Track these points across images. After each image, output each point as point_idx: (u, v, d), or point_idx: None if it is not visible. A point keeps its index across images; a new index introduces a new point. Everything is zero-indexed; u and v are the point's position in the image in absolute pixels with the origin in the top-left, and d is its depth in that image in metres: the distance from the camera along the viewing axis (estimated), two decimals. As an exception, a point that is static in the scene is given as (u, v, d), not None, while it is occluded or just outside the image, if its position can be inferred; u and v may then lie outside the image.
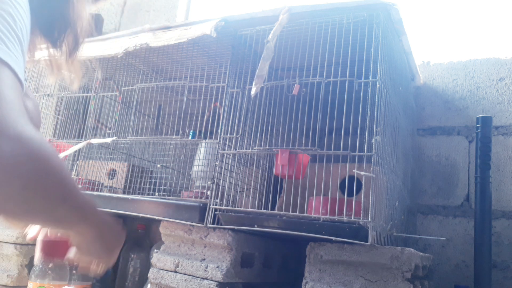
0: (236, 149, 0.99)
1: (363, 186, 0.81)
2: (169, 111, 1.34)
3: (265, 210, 0.96)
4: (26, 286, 1.18)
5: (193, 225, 0.99)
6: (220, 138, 1.00)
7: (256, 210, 0.97)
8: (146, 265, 1.34)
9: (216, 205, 0.95)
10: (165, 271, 1.00)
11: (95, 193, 1.12)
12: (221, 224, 0.94)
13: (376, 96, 0.85)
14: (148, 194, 1.18)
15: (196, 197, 1.02)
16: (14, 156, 0.41)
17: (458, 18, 1.48)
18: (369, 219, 0.79)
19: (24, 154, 0.42)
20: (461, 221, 1.23)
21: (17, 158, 0.42)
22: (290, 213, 0.88)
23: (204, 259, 0.97)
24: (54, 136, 1.44)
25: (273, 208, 1.10)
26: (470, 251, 1.18)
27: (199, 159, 1.10)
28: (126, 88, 1.21)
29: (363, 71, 0.87)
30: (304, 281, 0.89)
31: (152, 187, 1.21)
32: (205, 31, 0.99)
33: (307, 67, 0.93)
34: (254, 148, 0.97)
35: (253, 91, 0.91)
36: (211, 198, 0.96)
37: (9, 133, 0.41)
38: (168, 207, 0.98)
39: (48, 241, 0.84)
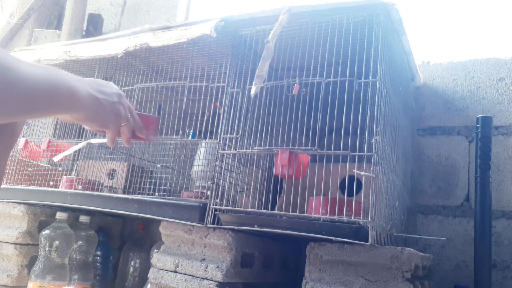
0: (236, 149, 0.99)
1: (363, 186, 0.81)
2: (169, 111, 1.34)
3: (265, 210, 0.96)
4: (26, 286, 1.18)
5: (193, 225, 0.99)
6: (220, 138, 1.00)
7: (256, 210, 0.97)
8: (146, 265, 1.34)
9: (216, 205, 0.95)
10: (165, 271, 1.00)
11: (95, 193, 1.12)
12: (221, 224, 0.94)
13: (376, 96, 0.85)
14: (148, 194, 1.18)
15: (196, 197, 1.02)
16: None
17: (458, 18, 1.48)
18: (369, 219, 0.79)
19: None
20: (461, 221, 1.23)
21: None
22: (290, 213, 0.88)
23: (204, 259, 0.97)
24: (54, 136, 1.44)
25: (273, 208, 1.10)
26: (470, 251, 1.18)
27: (199, 159, 1.10)
28: (126, 88, 1.21)
29: (363, 71, 0.87)
30: (304, 281, 0.89)
31: (152, 187, 1.21)
32: (205, 31, 0.99)
33: (307, 67, 0.93)
34: (254, 148, 0.97)
35: (253, 91, 0.91)
36: (211, 198, 0.96)
37: None
38: (168, 207, 0.98)
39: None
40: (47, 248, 1.14)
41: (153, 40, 1.08)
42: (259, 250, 1.06)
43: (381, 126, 0.85)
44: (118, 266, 1.41)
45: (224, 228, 0.95)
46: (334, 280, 0.87)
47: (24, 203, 1.26)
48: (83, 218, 1.27)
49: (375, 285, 0.83)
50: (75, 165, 1.36)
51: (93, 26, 1.95)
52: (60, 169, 1.36)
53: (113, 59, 1.21)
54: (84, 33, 1.91)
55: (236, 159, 1.01)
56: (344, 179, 1.06)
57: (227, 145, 1.00)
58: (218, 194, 0.96)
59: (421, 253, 0.86)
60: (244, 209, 0.98)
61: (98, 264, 1.37)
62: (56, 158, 1.20)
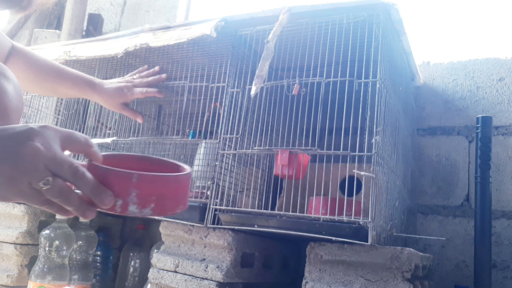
0: (236, 149, 0.99)
1: (363, 186, 0.81)
2: (169, 111, 1.34)
3: (265, 210, 0.96)
4: (26, 286, 1.18)
5: (193, 225, 0.99)
6: (220, 138, 1.00)
7: (256, 210, 0.97)
8: (146, 265, 1.34)
9: (216, 205, 0.95)
10: (165, 271, 1.00)
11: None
12: (221, 224, 0.95)
13: (376, 96, 0.85)
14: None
15: (196, 197, 1.02)
16: None
17: (458, 18, 1.48)
18: (369, 219, 0.79)
19: None
20: (461, 221, 1.23)
21: None
22: (290, 213, 0.88)
23: (204, 259, 0.97)
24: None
25: (273, 208, 1.10)
26: (470, 251, 1.18)
27: (199, 159, 1.10)
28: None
29: (363, 71, 0.87)
30: (304, 281, 0.89)
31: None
32: (205, 31, 0.99)
33: (307, 67, 0.94)
34: (254, 148, 0.97)
35: (253, 91, 0.91)
36: (211, 198, 0.96)
37: None
38: (168, 207, 0.98)
39: None
40: (47, 248, 1.14)
41: (153, 40, 1.08)
42: (259, 250, 1.06)
43: (381, 126, 0.85)
44: (118, 266, 1.41)
45: (224, 228, 0.95)
46: (334, 280, 0.87)
47: (24, 203, 1.26)
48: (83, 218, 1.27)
49: (375, 285, 0.83)
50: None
51: (93, 26, 1.95)
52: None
53: (113, 59, 1.21)
54: (84, 33, 1.91)
55: (236, 159, 1.01)
56: (344, 179, 1.06)
57: (227, 145, 1.00)
58: (218, 194, 0.96)
59: (421, 253, 0.86)
60: (244, 209, 0.98)
61: (98, 264, 1.37)
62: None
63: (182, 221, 0.97)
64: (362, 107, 0.85)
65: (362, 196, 0.81)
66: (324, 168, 0.87)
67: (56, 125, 1.43)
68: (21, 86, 1.01)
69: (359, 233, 0.80)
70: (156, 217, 1.00)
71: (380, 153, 0.85)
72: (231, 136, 1.00)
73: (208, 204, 0.96)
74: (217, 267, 0.93)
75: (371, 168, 0.81)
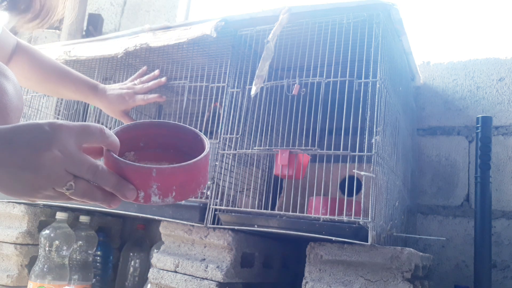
0: (236, 149, 0.99)
1: (363, 186, 0.81)
2: (169, 111, 1.34)
3: (265, 210, 0.96)
4: (26, 286, 1.18)
5: (193, 225, 0.99)
6: (220, 138, 1.00)
7: (256, 210, 0.97)
8: (146, 265, 1.34)
9: (216, 205, 0.95)
10: (165, 271, 1.00)
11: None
12: (221, 224, 0.95)
13: (376, 96, 0.85)
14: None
15: (196, 197, 1.02)
16: None
17: (458, 18, 1.48)
18: (369, 219, 0.79)
19: None
20: (461, 221, 1.23)
21: None
22: (290, 213, 0.88)
23: (204, 259, 0.97)
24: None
25: (273, 208, 1.10)
26: (470, 251, 1.18)
27: (199, 159, 1.10)
28: (126, 88, 1.21)
29: (363, 71, 0.87)
30: (304, 281, 0.89)
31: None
32: (205, 31, 0.99)
33: (307, 67, 0.94)
34: (254, 148, 0.97)
35: (253, 91, 0.91)
36: (211, 198, 0.96)
37: None
38: (168, 207, 0.99)
39: None
40: (47, 248, 1.14)
41: (153, 40, 1.08)
42: (259, 250, 1.06)
43: (381, 126, 0.85)
44: (118, 266, 1.41)
45: (224, 228, 0.95)
46: (334, 280, 0.87)
47: (24, 203, 1.26)
48: (83, 218, 1.27)
49: (375, 285, 0.83)
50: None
51: (93, 26, 1.95)
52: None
53: (113, 59, 1.21)
54: (84, 33, 1.91)
55: (236, 159, 1.01)
56: (344, 179, 1.06)
57: (227, 145, 1.00)
58: (218, 194, 0.96)
59: (421, 253, 0.86)
60: (244, 209, 0.98)
61: (98, 264, 1.37)
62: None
63: (182, 221, 0.97)
64: (362, 107, 0.85)
65: (362, 196, 0.81)
66: (324, 168, 0.87)
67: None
68: (24, 85, 1.01)
69: (359, 233, 0.80)
70: (157, 217, 1.00)
71: (380, 153, 0.85)
72: (231, 136, 1.00)
73: (208, 204, 0.96)
74: (217, 267, 0.93)
75: (371, 168, 0.81)
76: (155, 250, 1.12)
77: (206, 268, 0.94)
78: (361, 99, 0.86)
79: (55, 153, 0.45)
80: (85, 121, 1.36)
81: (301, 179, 0.92)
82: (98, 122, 1.28)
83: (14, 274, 1.21)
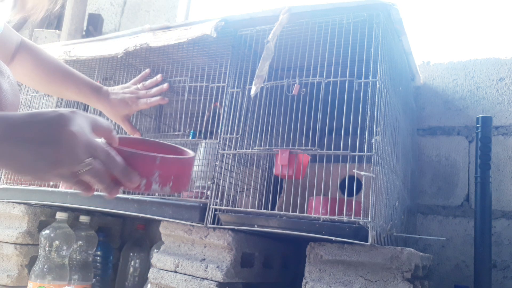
0: (236, 149, 0.99)
1: (363, 186, 0.81)
2: (169, 111, 1.34)
3: (265, 210, 0.96)
4: (26, 286, 1.18)
5: (193, 225, 0.99)
6: (220, 138, 1.00)
7: (256, 210, 0.97)
8: (146, 265, 1.34)
9: (216, 205, 0.95)
10: (165, 271, 1.00)
11: (95, 193, 1.12)
12: (221, 224, 0.95)
13: (376, 96, 0.85)
14: (148, 194, 1.18)
15: (196, 197, 1.02)
16: None
17: (458, 18, 1.48)
18: (369, 219, 0.79)
19: None
20: (461, 221, 1.23)
21: None
22: (290, 213, 0.88)
23: (204, 259, 0.97)
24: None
25: (273, 208, 1.10)
26: (470, 251, 1.18)
27: (199, 159, 1.10)
28: (126, 88, 1.21)
29: (363, 71, 0.87)
30: (304, 281, 0.89)
31: (152, 187, 1.21)
32: (205, 31, 0.99)
33: (307, 67, 0.93)
34: (254, 148, 0.97)
35: (253, 91, 0.91)
36: (211, 198, 0.96)
37: None
38: (168, 207, 0.99)
39: None
40: (47, 248, 1.14)
41: (153, 40, 1.08)
42: (259, 250, 1.06)
43: (381, 126, 0.85)
44: (118, 266, 1.41)
45: (224, 228, 0.95)
46: (334, 280, 0.87)
47: (24, 203, 1.26)
48: (83, 218, 1.27)
49: (375, 285, 0.83)
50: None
51: (93, 26, 1.95)
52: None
53: (113, 59, 1.21)
54: (84, 33, 1.91)
55: (236, 159, 1.01)
56: (344, 179, 1.06)
57: (227, 145, 1.00)
58: (218, 194, 0.96)
59: (421, 253, 0.86)
60: (244, 209, 0.98)
61: (98, 264, 1.37)
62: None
63: (182, 221, 0.97)
64: (362, 107, 0.85)
65: (362, 196, 0.81)
66: (324, 168, 0.87)
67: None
68: (26, 83, 1.01)
69: (359, 233, 0.80)
70: (157, 217, 1.00)
71: (380, 153, 0.85)
72: (231, 136, 1.00)
73: (208, 204, 0.96)
74: (217, 267, 0.93)
75: (371, 168, 0.81)
76: (155, 250, 1.12)
77: (206, 268, 0.94)
78: (361, 99, 0.86)
79: (74, 130, 0.48)
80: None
81: (301, 179, 0.92)
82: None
83: (14, 274, 1.21)
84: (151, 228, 1.50)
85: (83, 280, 1.23)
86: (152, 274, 1.01)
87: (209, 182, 1.01)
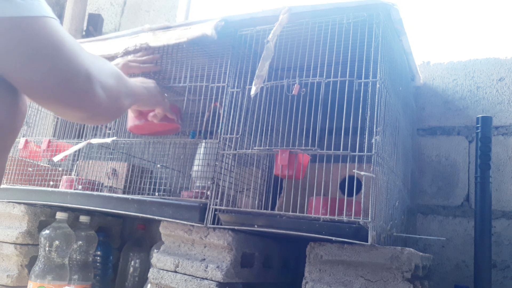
0: (236, 149, 0.99)
1: (363, 186, 0.81)
2: (169, 111, 1.34)
3: (265, 210, 0.96)
4: (26, 286, 1.18)
5: (193, 225, 0.99)
6: (220, 138, 1.00)
7: (256, 210, 0.97)
8: (146, 265, 1.34)
9: (216, 205, 0.95)
10: (165, 271, 1.00)
11: (95, 193, 1.12)
12: (221, 224, 0.94)
13: (376, 96, 0.85)
14: (148, 194, 1.18)
15: (196, 197, 1.02)
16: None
17: (458, 18, 1.48)
18: (369, 219, 0.79)
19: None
20: (461, 221, 1.23)
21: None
22: (290, 213, 0.88)
23: (204, 259, 0.97)
24: (54, 136, 1.44)
25: (273, 208, 1.10)
26: (470, 251, 1.18)
27: (199, 159, 1.10)
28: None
29: (363, 71, 0.87)
30: (304, 281, 0.89)
31: (152, 187, 1.21)
32: (205, 31, 0.99)
33: (307, 67, 0.93)
34: (254, 148, 0.97)
35: (253, 91, 0.91)
36: (211, 198, 0.96)
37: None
38: (168, 207, 0.99)
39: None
40: (47, 248, 1.14)
41: (153, 40, 1.08)
42: (259, 250, 1.06)
43: (381, 126, 0.85)
44: (118, 266, 1.41)
45: (224, 228, 0.95)
46: (334, 280, 0.87)
47: (24, 203, 1.26)
48: (83, 218, 1.27)
49: (375, 285, 0.83)
50: (75, 165, 1.36)
51: (93, 26, 1.95)
52: (60, 169, 1.36)
53: (113, 59, 1.21)
54: (84, 33, 1.91)
55: (236, 159, 1.01)
56: (344, 179, 1.06)
57: (227, 145, 1.00)
58: (218, 194, 0.96)
59: (421, 253, 0.86)
60: (244, 209, 0.98)
61: (98, 264, 1.37)
62: (56, 158, 1.20)
63: (182, 221, 0.97)
64: (362, 107, 0.85)
65: (362, 196, 0.81)
66: (324, 168, 0.87)
67: (56, 125, 1.43)
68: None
69: (359, 233, 0.80)
70: (157, 217, 1.00)
71: (380, 153, 0.85)
72: (231, 136, 1.00)
73: (208, 204, 0.96)
74: (217, 267, 0.93)
75: (371, 168, 0.81)
76: (155, 250, 1.11)
77: (206, 268, 0.94)
78: (361, 99, 0.86)
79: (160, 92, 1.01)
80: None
81: (301, 179, 0.92)
82: (98, 122, 1.28)
83: (14, 274, 1.21)
84: (151, 228, 1.50)
85: (83, 280, 1.23)
86: (152, 274, 1.02)
87: (209, 182, 1.01)
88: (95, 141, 1.20)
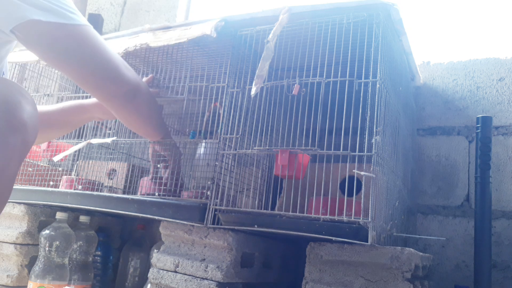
0: (236, 149, 0.99)
1: (363, 186, 0.81)
2: (169, 111, 1.34)
3: (265, 210, 0.96)
4: (26, 286, 1.18)
5: (193, 225, 0.99)
6: (220, 138, 1.00)
7: (256, 210, 0.97)
8: (146, 265, 1.34)
9: (216, 205, 0.95)
10: (165, 271, 1.00)
11: (95, 193, 1.12)
12: (221, 224, 0.94)
13: (376, 96, 0.85)
14: (148, 194, 1.18)
15: (196, 197, 1.02)
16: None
17: (458, 18, 1.48)
18: (369, 219, 0.79)
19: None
20: (461, 221, 1.23)
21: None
22: (290, 213, 0.88)
23: (204, 259, 0.97)
24: (54, 136, 1.43)
25: (273, 208, 1.10)
26: (470, 251, 1.18)
27: (199, 159, 1.10)
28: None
29: (363, 71, 0.87)
30: (304, 281, 0.89)
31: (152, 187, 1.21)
32: (205, 31, 0.99)
33: (307, 67, 0.93)
34: (254, 148, 0.97)
35: (253, 91, 0.91)
36: (211, 198, 0.96)
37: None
38: (168, 207, 0.98)
39: None
40: (47, 248, 1.14)
41: (153, 40, 1.08)
42: (259, 250, 1.06)
43: (381, 126, 0.85)
44: (118, 266, 1.41)
45: (224, 228, 0.95)
46: (334, 280, 0.87)
47: (24, 203, 1.26)
48: (83, 218, 1.27)
49: (375, 285, 0.83)
50: (75, 165, 1.36)
51: (93, 26, 1.94)
52: (60, 169, 1.36)
53: (113, 59, 1.21)
54: (84, 33, 1.91)
55: (236, 159, 1.01)
56: (344, 179, 1.06)
57: (227, 145, 1.00)
58: (218, 194, 0.96)
59: (421, 253, 0.86)
60: (244, 209, 0.98)
61: (98, 264, 1.37)
62: (56, 158, 1.20)
63: (182, 221, 0.97)
64: (362, 107, 0.85)
65: (362, 196, 0.81)
66: (324, 168, 0.87)
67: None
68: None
69: (359, 233, 0.80)
70: (157, 217, 1.00)
71: (380, 153, 0.85)
72: (231, 136, 1.00)
73: (208, 204, 0.96)
74: (217, 267, 0.93)
75: (371, 168, 0.81)
76: (155, 250, 1.12)
77: (206, 268, 0.94)
78: (361, 99, 0.86)
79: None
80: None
81: (301, 179, 0.92)
82: (98, 122, 1.28)
83: (14, 274, 1.21)
84: (151, 228, 1.50)
85: (83, 280, 1.23)
86: (152, 274, 1.02)
87: (209, 182, 1.01)
88: (95, 141, 1.20)
